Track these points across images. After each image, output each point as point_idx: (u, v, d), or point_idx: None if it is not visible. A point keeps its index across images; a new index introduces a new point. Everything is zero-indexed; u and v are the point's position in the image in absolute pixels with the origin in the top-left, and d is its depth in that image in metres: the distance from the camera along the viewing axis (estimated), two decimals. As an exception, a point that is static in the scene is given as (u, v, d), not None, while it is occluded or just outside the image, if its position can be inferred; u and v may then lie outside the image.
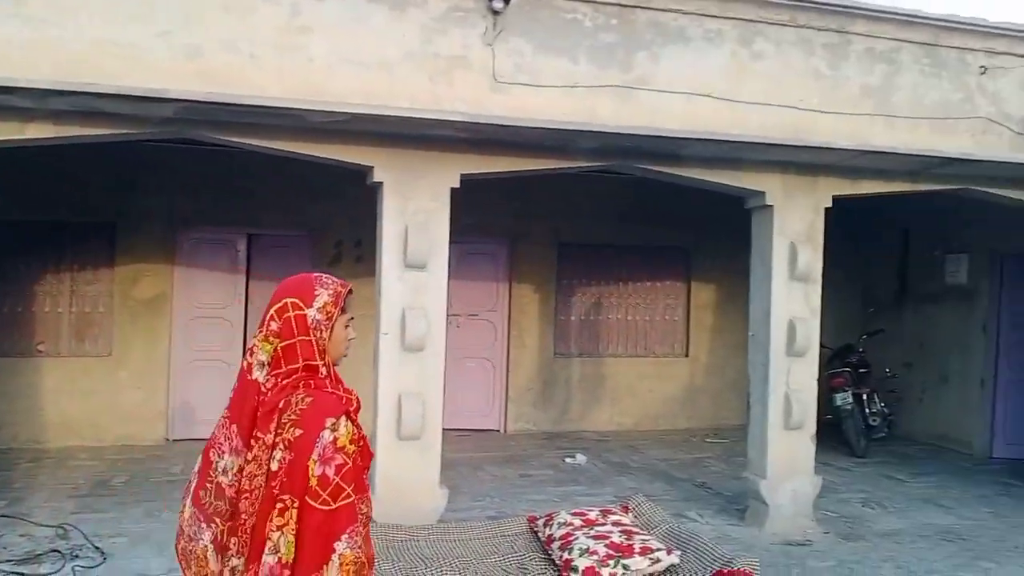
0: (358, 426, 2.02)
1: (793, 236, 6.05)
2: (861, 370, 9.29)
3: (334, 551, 1.88)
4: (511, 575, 3.78)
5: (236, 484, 1.98)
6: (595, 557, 3.69)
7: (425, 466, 5.47)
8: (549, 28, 5.47)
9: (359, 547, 1.92)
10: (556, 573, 3.76)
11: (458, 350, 9.57)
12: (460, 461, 8.19)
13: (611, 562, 3.65)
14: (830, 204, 6.14)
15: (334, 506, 1.89)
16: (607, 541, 3.82)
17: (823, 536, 6.13)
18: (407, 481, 5.43)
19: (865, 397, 9.08)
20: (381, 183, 5.26)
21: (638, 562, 3.65)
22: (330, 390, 2.04)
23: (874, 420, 9.05)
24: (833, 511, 6.79)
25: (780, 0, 5.87)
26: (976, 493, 7.49)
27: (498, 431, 9.68)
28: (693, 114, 5.75)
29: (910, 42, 6.16)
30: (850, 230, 10.35)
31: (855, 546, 5.96)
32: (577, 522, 4.15)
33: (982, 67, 6.38)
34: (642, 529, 4.02)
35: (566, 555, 3.81)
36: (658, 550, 3.62)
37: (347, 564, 1.88)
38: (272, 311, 2.05)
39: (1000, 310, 8.86)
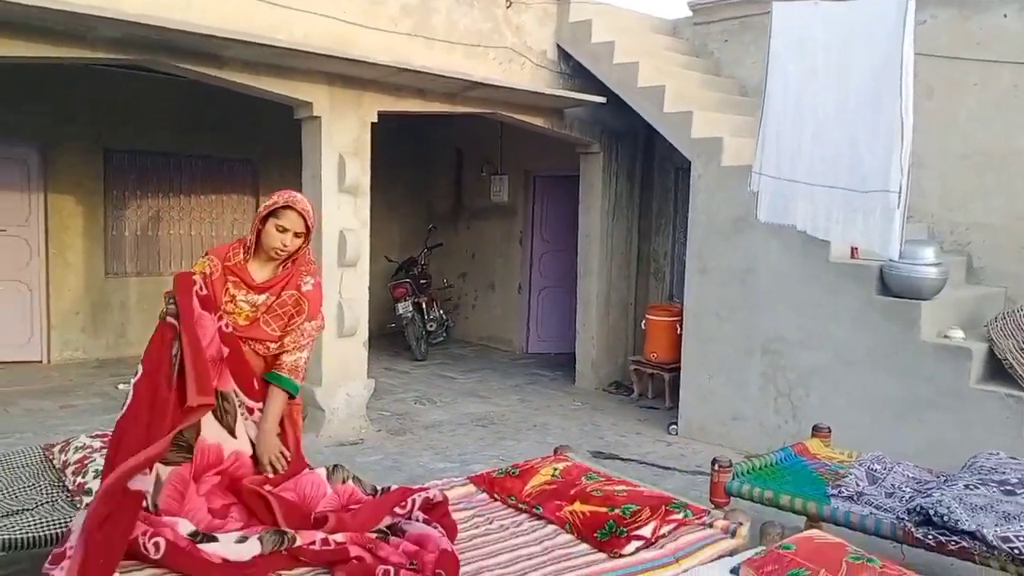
0: (219, 269, 3.05)
1: (341, 149, 6.17)
2: (422, 281, 9.99)
3: None
4: (16, 505, 3.40)
5: None
6: (110, 476, 3.49)
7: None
8: None
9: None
10: (69, 498, 3.48)
11: (-18, 272, 8.29)
12: (-14, 397, 7.20)
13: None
14: (375, 119, 6.35)
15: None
16: (126, 458, 3.63)
17: (375, 434, 6.55)
18: None
19: (424, 305, 9.80)
20: None
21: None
22: (231, 245, 3.15)
23: (431, 326, 9.84)
24: (388, 410, 7.29)
25: (325, -94, 5.80)
26: (510, 384, 8.58)
27: (40, 362, 8.64)
28: (232, 13, 5.48)
29: (446, -32, 6.55)
30: (414, 150, 10.93)
31: (402, 439, 6.48)
32: (96, 444, 3.87)
33: (508, 1, 7.04)
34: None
35: (79, 479, 3.54)
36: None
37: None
38: None
39: (532, 225, 10.11)
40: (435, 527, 2.91)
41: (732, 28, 7.96)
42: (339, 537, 2.76)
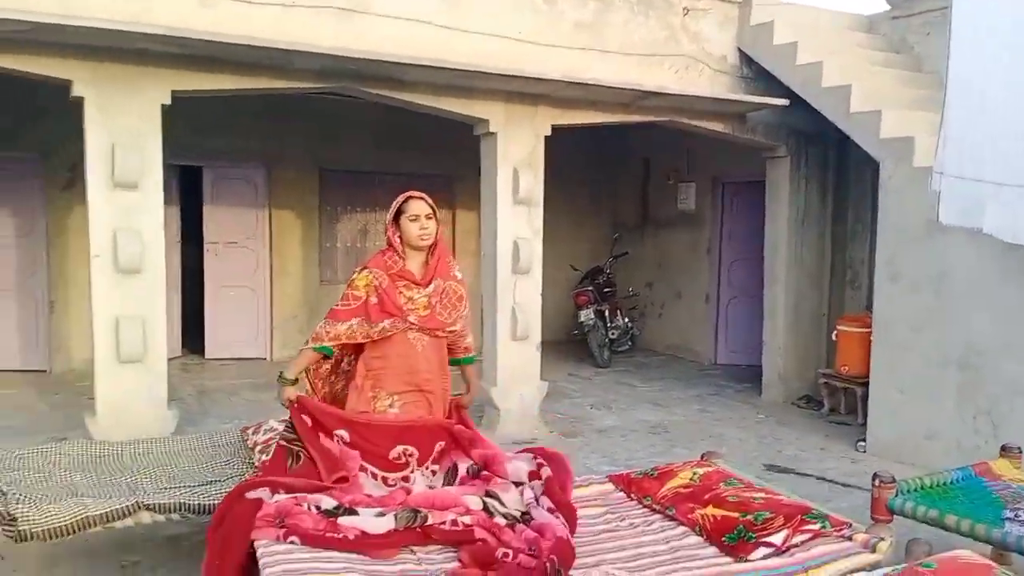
0: (387, 280, 3.47)
1: (516, 162, 6.45)
2: (606, 289, 10.10)
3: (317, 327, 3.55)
4: (211, 476, 3.93)
5: None
6: (289, 456, 3.93)
7: (150, 388, 5.46)
8: (263, -55, 5.41)
9: (325, 330, 3.51)
10: (254, 472, 3.96)
11: (217, 279, 9.45)
12: (217, 388, 8.20)
13: (301, 458, 3.92)
14: (549, 132, 6.57)
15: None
16: (304, 441, 4.06)
17: (547, 434, 6.75)
18: (131, 404, 5.39)
19: (607, 313, 9.89)
20: (83, 98, 5.06)
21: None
22: (383, 255, 3.56)
23: (614, 333, 9.89)
24: (563, 413, 7.47)
25: (500, -67, 6.13)
26: (693, 394, 8.46)
27: (265, 359, 9.68)
28: (416, 40, 5.93)
29: (620, -19, 6.65)
30: (601, 161, 11.09)
31: (572, 441, 6.62)
32: (281, 427, 4.35)
33: (685, 8, 7.01)
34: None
35: (264, 457, 4.01)
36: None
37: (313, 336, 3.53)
38: None
39: (721, 233, 9.90)
40: (558, 516, 3.03)
41: (934, 20, 7.38)
42: (467, 519, 2.96)
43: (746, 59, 7.46)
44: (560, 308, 10.50)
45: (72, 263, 8.28)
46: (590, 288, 9.85)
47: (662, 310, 10.75)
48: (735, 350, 9.93)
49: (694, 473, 3.66)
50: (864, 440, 6.45)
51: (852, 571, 2.87)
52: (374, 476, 3.33)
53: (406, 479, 3.35)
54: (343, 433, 3.37)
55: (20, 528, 3.19)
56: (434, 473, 3.39)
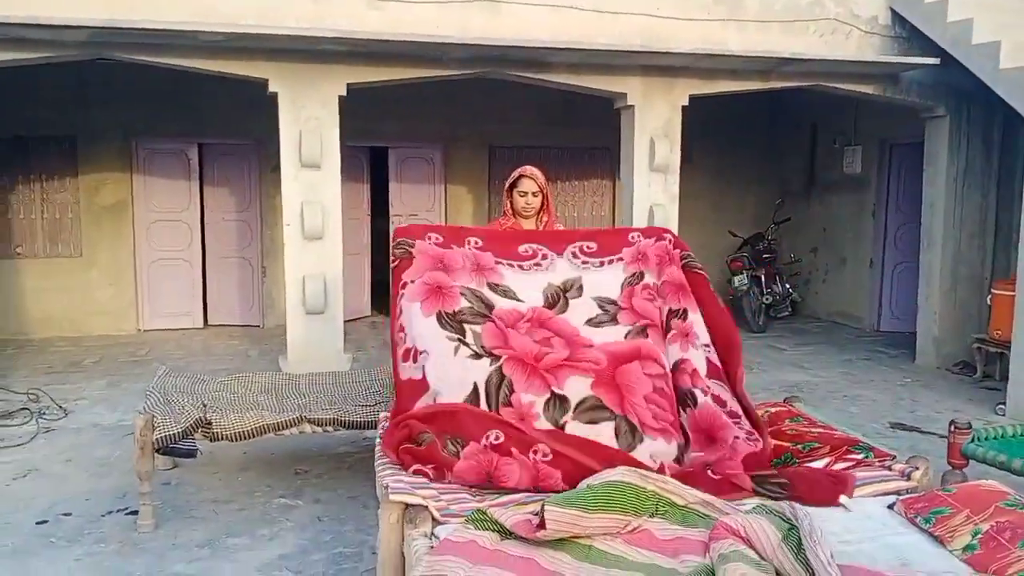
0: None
1: (652, 132, 6.88)
2: (765, 255, 10.18)
3: None
4: (364, 401, 4.80)
5: None
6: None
7: (329, 335, 6.51)
8: (420, -51, 6.20)
9: None
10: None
11: (401, 247, 10.56)
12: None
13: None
14: (686, 102, 6.92)
15: None
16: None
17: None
18: (314, 348, 6.48)
19: (763, 278, 9.98)
20: (276, 93, 6.12)
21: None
22: (497, 222, 4.32)
23: (768, 299, 9.96)
24: (704, 373, 7.81)
25: (637, -84, 6.54)
26: (843, 358, 8.48)
27: (437, 320, 10.70)
28: (560, 24, 6.50)
29: (758, -49, 6.83)
30: (770, 126, 11.09)
31: (706, 397, 7.00)
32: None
33: (828, -28, 7.05)
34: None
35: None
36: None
37: None
38: None
39: (887, 197, 9.68)
40: None
41: (1111, -37, 6.91)
42: None
43: (900, 19, 7.35)
44: (722, 274, 10.73)
45: (280, 234, 9.64)
46: (745, 254, 10.00)
47: (826, 276, 10.67)
48: (899, 316, 9.71)
49: (766, 412, 4.03)
50: (1004, 404, 6.34)
51: (882, 494, 3.19)
52: (510, 266, 3.47)
53: (539, 265, 3.52)
54: (476, 239, 3.61)
55: (214, 431, 4.21)
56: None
